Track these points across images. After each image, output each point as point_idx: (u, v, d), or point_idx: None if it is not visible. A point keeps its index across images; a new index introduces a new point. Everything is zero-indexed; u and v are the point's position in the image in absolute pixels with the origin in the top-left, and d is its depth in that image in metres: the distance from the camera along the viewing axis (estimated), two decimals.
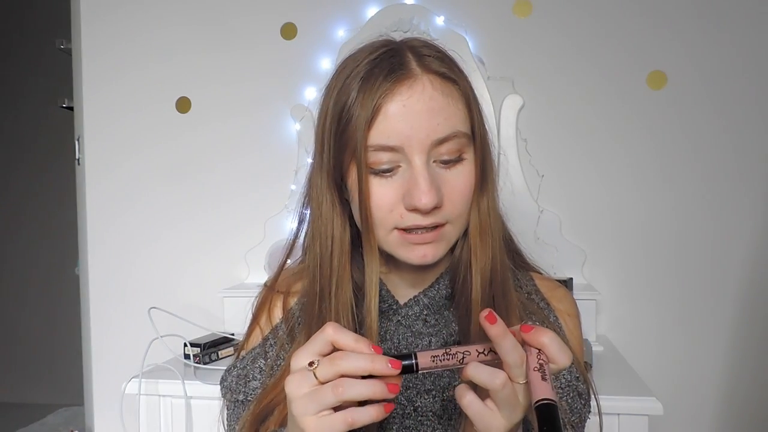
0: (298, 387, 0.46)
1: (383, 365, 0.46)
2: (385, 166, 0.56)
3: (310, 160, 0.65)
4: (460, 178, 0.58)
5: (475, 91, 0.62)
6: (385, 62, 0.57)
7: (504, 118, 1.58)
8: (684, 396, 1.52)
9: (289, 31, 1.71)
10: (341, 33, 1.67)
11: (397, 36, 0.63)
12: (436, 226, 0.58)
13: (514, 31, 1.60)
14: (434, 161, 0.57)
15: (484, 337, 0.53)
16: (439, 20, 1.59)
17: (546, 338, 0.47)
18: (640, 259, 1.56)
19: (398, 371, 0.46)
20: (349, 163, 0.58)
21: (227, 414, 0.69)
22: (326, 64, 1.67)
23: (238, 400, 0.66)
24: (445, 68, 0.58)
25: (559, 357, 0.47)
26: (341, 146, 0.58)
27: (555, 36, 1.58)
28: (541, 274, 0.73)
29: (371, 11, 1.64)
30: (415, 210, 0.56)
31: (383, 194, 0.57)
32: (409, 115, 0.55)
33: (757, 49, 1.50)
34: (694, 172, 1.54)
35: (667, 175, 1.55)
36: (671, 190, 1.55)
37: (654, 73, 1.54)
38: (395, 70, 0.56)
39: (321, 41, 1.68)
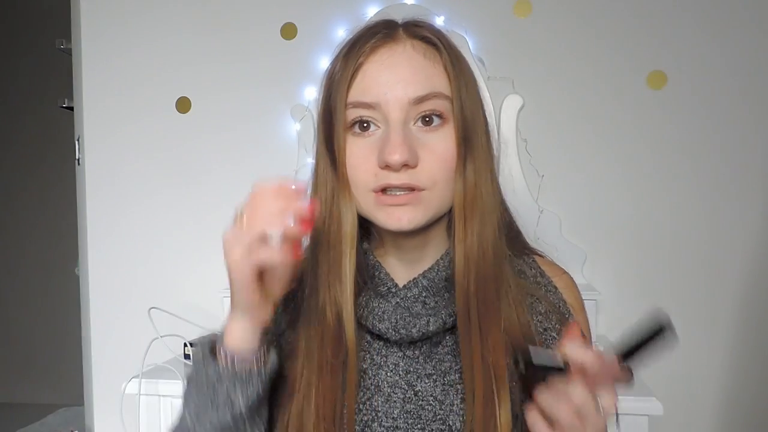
0: (228, 236, 0.51)
1: (294, 202, 0.50)
2: (362, 124, 0.58)
3: (310, 160, 0.66)
4: (440, 143, 0.58)
5: (473, 70, 0.62)
6: (374, 27, 0.60)
7: (504, 118, 1.58)
8: (684, 396, 1.52)
9: (289, 31, 1.71)
10: (341, 33, 1.67)
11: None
12: (410, 189, 0.57)
13: (514, 31, 1.60)
14: (414, 123, 0.58)
15: (469, 320, 0.58)
16: (439, 20, 1.59)
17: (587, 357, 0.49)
18: (640, 259, 1.56)
19: (311, 216, 0.50)
20: (335, 126, 0.60)
21: None
22: (326, 64, 1.66)
23: None
24: (429, 34, 0.59)
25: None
26: (329, 111, 0.60)
27: (555, 36, 1.58)
28: (543, 257, 0.72)
29: (371, 11, 1.64)
30: (386, 167, 0.56)
31: (359, 153, 0.58)
32: (386, 72, 0.57)
33: (758, 49, 1.50)
34: (694, 171, 1.54)
35: (667, 174, 1.55)
36: (671, 190, 1.55)
37: (654, 73, 1.54)
38: (380, 34, 0.58)
39: (321, 41, 1.68)
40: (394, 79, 0.56)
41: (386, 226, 0.59)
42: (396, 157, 0.55)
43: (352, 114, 0.58)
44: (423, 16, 0.63)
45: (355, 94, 0.57)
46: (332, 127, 0.60)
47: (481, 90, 0.62)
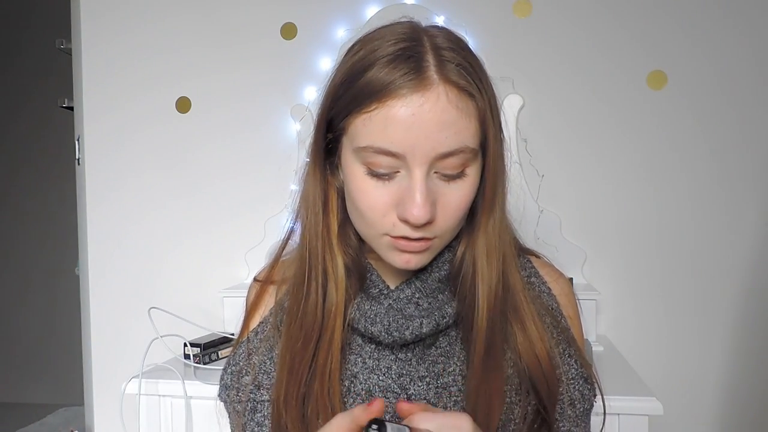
0: None
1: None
2: (383, 170, 0.55)
3: (307, 160, 0.65)
4: (458, 193, 0.57)
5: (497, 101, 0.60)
6: (403, 61, 0.54)
7: (504, 118, 1.57)
8: (684, 396, 1.52)
9: (289, 31, 1.71)
10: (341, 33, 1.67)
11: (422, 21, 0.60)
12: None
13: (514, 31, 1.60)
14: (435, 172, 0.56)
15: (486, 365, 0.58)
16: (439, 20, 1.59)
17: (431, 425, 0.50)
18: (640, 259, 1.56)
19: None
20: (347, 151, 0.58)
21: (229, 419, 0.69)
22: (326, 64, 1.67)
23: (232, 400, 0.67)
24: (464, 80, 0.55)
25: None
26: (340, 130, 0.58)
27: (555, 36, 1.58)
28: (538, 258, 0.71)
29: (371, 11, 1.64)
30: (406, 222, 0.55)
31: (379, 198, 0.56)
32: (417, 124, 0.53)
33: (758, 49, 1.50)
34: (694, 171, 1.54)
35: (667, 175, 1.55)
36: (671, 190, 1.55)
37: (654, 73, 1.54)
38: (412, 74, 0.53)
39: (321, 41, 1.68)
40: (424, 133, 0.53)
41: (393, 264, 0.60)
42: (418, 215, 0.54)
43: (372, 157, 0.55)
44: (450, 30, 0.60)
45: (380, 140, 0.54)
46: (345, 156, 0.59)
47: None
